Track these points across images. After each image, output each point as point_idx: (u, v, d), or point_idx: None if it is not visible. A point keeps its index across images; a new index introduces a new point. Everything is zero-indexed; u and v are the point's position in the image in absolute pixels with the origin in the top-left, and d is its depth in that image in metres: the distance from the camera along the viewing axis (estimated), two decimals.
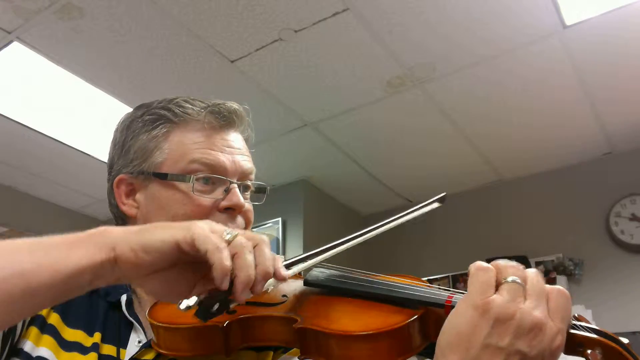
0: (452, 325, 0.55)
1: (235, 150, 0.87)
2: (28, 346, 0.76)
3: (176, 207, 0.82)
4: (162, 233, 0.57)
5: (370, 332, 0.58)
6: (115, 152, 0.90)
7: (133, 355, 0.77)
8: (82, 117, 3.00)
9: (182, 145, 0.85)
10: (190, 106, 0.87)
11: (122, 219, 0.90)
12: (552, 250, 3.31)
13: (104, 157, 1.19)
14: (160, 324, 0.68)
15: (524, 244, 3.37)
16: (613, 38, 2.43)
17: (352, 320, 0.62)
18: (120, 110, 2.84)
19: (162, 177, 0.83)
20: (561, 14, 2.30)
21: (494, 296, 0.55)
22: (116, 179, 0.87)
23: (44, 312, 0.80)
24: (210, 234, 0.57)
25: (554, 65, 2.61)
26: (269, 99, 2.84)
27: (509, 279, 0.56)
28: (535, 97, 2.84)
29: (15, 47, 2.44)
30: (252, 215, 0.88)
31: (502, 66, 2.62)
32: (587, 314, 3.01)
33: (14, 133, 3.09)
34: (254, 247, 0.59)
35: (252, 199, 0.91)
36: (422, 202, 0.77)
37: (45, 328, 0.78)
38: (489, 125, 3.10)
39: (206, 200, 0.83)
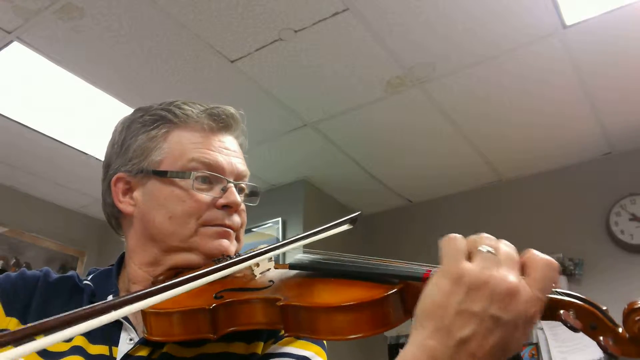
0: (427, 295, 0.56)
1: (231, 152, 0.90)
2: None
3: (175, 203, 0.84)
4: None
5: (350, 303, 0.60)
6: (113, 152, 0.92)
7: (127, 352, 0.77)
8: (82, 117, 3.00)
9: (180, 145, 0.87)
10: (189, 108, 0.90)
11: (115, 218, 0.92)
12: (552, 250, 3.30)
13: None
14: (151, 310, 0.71)
15: (523, 244, 3.30)
16: (613, 38, 2.43)
17: (333, 295, 0.65)
18: (120, 110, 2.85)
19: (161, 174, 0.86)
20: (561, 14, 2.30)
21: (467, 264, 0.56)
22: (114, 177, 0.89)
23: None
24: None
25: (554, 65, 2.61)
26: (269, 99, 2.84)
27: (482, 248, 0.57)
28: (535, 97, 2.84)
29: (15, 47, 2.45)
30: (245, 216, 0.92)
31: (502, 66, 2.62)
32: None
33: (14, 133, 3.09)
34: None
35: (245, 202, 0.94)
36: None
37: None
38: (489, 125, 3.10)
39: (205, 197, 0.85)
